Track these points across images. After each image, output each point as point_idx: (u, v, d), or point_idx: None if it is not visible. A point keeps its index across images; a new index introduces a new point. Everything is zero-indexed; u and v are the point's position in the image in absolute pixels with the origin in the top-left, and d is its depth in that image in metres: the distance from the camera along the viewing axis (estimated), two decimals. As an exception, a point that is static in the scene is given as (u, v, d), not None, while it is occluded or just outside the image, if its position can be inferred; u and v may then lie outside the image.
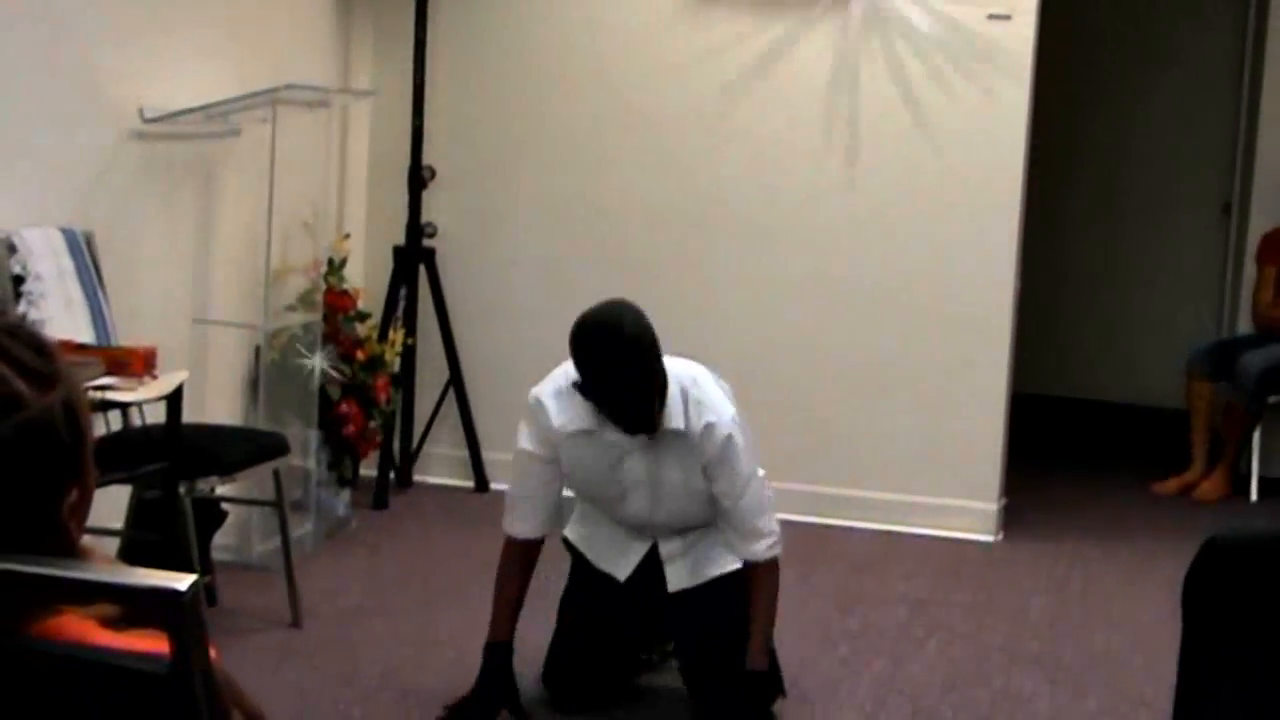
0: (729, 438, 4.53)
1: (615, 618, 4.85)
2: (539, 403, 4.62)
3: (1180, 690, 2.86)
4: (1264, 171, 8.14)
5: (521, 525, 4.74)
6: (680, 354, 4.67)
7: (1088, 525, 7.17)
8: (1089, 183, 9.70)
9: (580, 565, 4.94)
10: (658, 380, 4.47)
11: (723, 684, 4.67)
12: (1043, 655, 5.45)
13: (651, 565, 4.81)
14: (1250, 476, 7.72)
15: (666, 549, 4.80)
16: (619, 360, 4.41)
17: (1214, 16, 9.37)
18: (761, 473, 4.65)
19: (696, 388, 4.57)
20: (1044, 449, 8.36)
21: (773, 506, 4.69)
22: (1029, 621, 5.82)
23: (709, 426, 4.52)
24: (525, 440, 4.70)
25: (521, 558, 4.73)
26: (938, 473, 6.85)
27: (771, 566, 4.66)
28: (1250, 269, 8.07)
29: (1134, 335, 9.64)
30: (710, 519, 4.73)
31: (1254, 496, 7.64)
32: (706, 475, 4.59)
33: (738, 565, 4.71)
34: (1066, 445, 8.85)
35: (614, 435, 4.55)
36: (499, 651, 4.67)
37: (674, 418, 4.53)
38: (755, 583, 4.66)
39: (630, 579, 4.82)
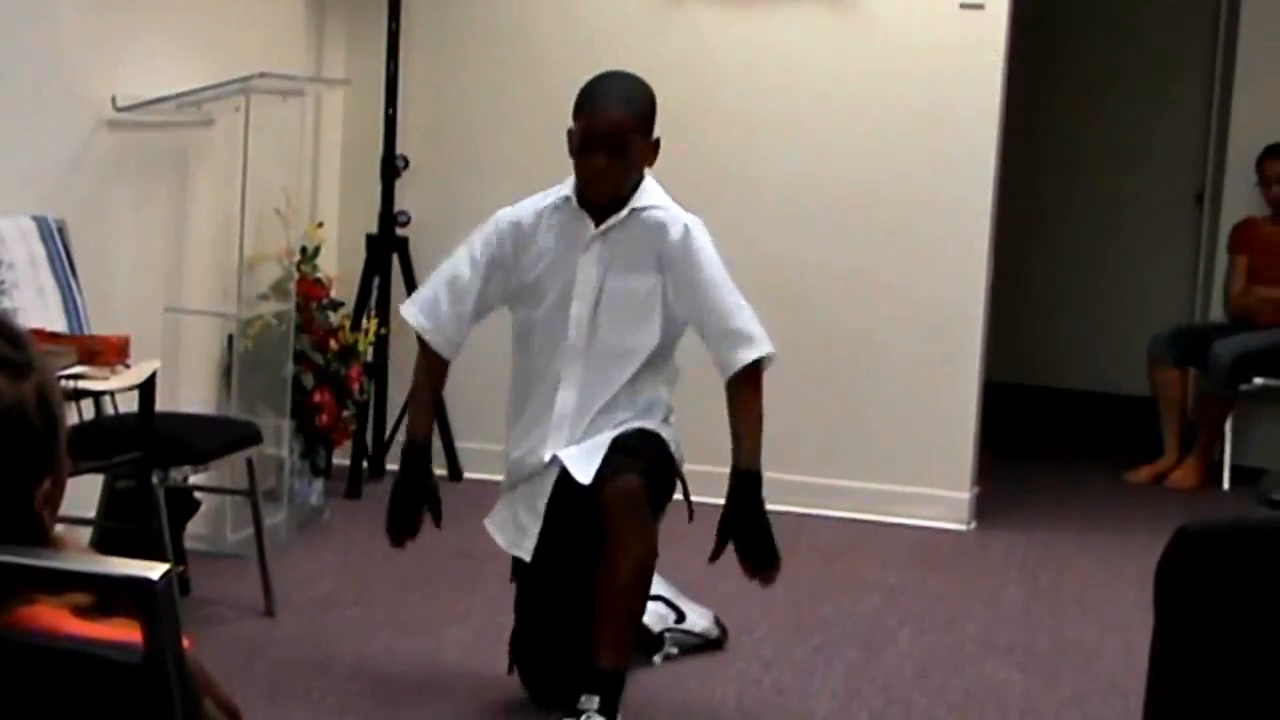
0: (688, 237, 4.49)
1: (556, 584, 4.66)
2: (509, 210, 4.67)
3: (1152, 677, 2.86)
4: (1236, 162, 8.16)
5: (431, 325, 4.67)
6: None
7: (1060, 514, 7.19)
8: (1062, 173, 9.72)
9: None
10: (635, 155, 4.47)
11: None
12: (1015, 643, 5.47)
13: (553, 528, 4.60)
14: (1223, 465, 7.75)
15: (557, 436, 4.56)
16: (612, 90, 4.52)
17: (1187, 6, 9.39)
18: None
19: (666, 207, 4.56)
20: (1017, 438, 8.38)
21: (751, 313, 4.52)
22: (1002, 610, 5.83)
23: (670, 232, 4.50)
24: (473, 245, 4.68)
25: (431, 370, 4.76)
26: (911, 462, 6.86)
27: (755, 378, 4.52)
28: (1223, 258, 8.10)
29: (1108, 324, 9.67)
30: (639, 359, 4.56)
31: (1226, 485, 7.67)
32: (677, 295, 4.51)
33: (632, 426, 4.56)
34: (1040, 434, 8.87)
35: (584, 216, 4.54)
36: (413, 447, 4.72)
37: (646, 202, 4.54)
38: (740, 399, 4.53)
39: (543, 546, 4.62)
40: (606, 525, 4.39)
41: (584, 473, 4.47)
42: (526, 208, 4.63)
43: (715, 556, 4.55)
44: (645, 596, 4.55)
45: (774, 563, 4.57)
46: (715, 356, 4.54)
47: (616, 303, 4.54)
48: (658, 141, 4.58)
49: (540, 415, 4.62)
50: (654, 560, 4.47)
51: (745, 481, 4.56)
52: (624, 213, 4.52)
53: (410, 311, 4.74)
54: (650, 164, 4.60)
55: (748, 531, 4.54)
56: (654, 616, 5.07)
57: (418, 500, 4.71)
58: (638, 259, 4.53)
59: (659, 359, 4.61)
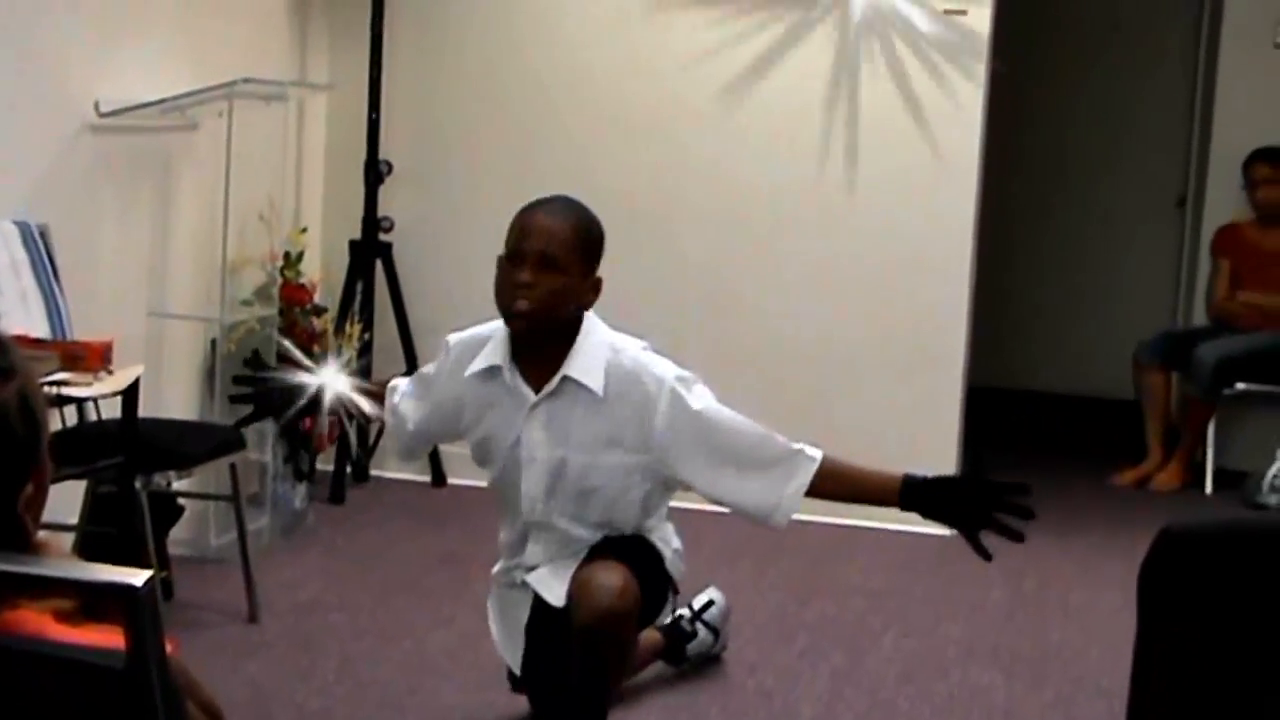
0: (681, 385, 4.04)
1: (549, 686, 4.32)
2: (452, 341, 4.31)
3: (1136, 680, 2.87)
4: (1219, 165, 8.18)
5: (393, 423, 4.45)
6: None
7: (1044, 517, 7.09)
8: (1045, 176, 9.73)
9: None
10: (568, 283, 4.01)
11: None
12: (999, 647, 5.47)
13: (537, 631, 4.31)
14: (1206, 468, 7.76)
15: (535, 576, 4.26)
16: (550, 201, 4.13)
17: (1171, 10, 9.40)
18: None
19: (624, 355, 4.08)
20: (1001, 442, 8.36)
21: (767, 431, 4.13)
22: (985, 613, 5.84)
23: (647, 382, 4.03)
24: (423, 376, 4.43)
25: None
26: (894, 465, 6.80)
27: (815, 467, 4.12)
28: (1206, 262, 8.11)
29: (1090, 328, 9.67)
30: (610, 523, 4.20)
31: (1209, 488, 7.69)
32: (679, 455, 4.04)
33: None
34: (1023, 438, 8.86)
35: (520, 385, 4.11)
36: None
37: (580, 371, 4.04)
38: (832, 475, 4.18)
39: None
40: (577, 648, 4.05)
41: (555, 594, 4.17)
42: (466, 355, 4.22)
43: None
44: (616, 687, 4.29)
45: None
46: (764, 491, 4.09)
47: (580, 483, 4.13)
48: (599, 282, 4.12)
49: (514, 545, 4.34)
50: (633, 660, 4.32)
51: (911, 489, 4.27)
52: (556, 380, 4.08)
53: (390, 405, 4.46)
54: (588, 304, 4.12)
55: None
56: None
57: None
58: (602, 436, 4.08)
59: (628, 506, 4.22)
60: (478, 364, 4.18)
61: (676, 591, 4.44)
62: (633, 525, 4.23)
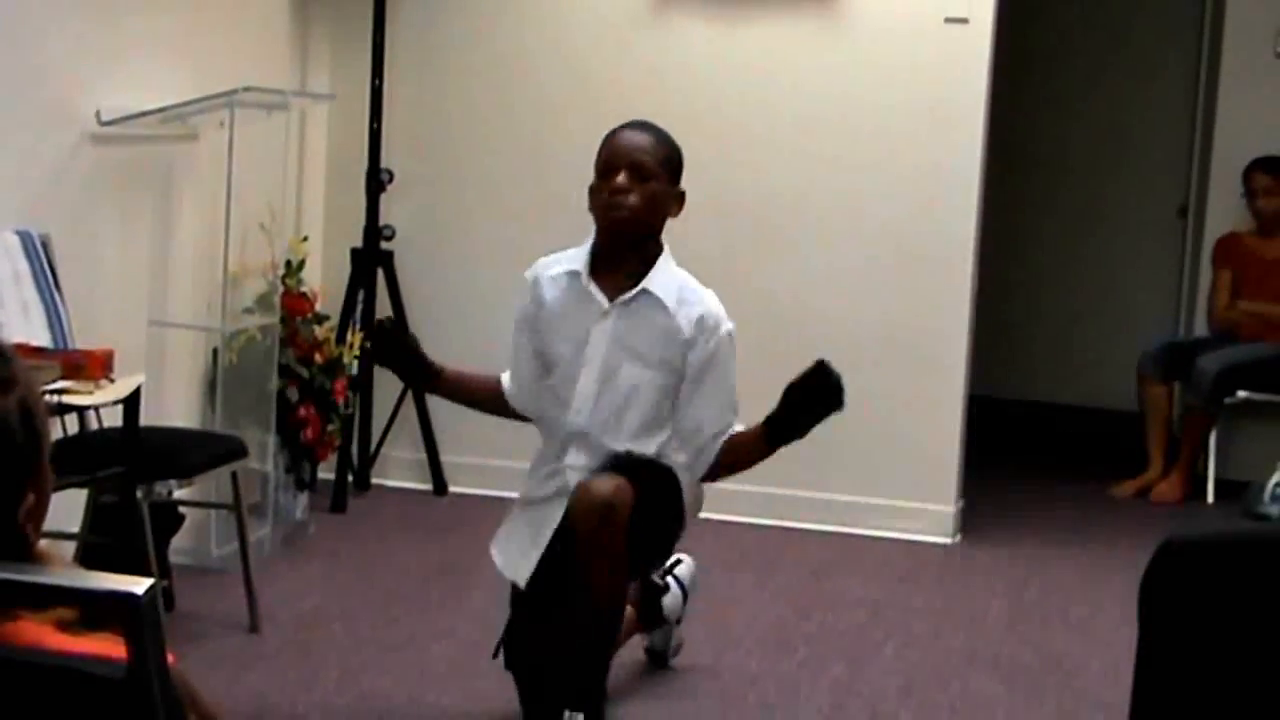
0: (730, 337, 4.44)
1: (550, 606, 4.50)
2: (536, 267, 4.57)
3: (1137, 691, 2.87)
4: (1220, 175, 8.18)
5: (514, 389, 4.64)
6: None
7: (1045, 528, 7.19)
8: (1046, 186, 9.74)
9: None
10: (658, 189, 4.39)
11: None
12: (1000, 658, 5.47)
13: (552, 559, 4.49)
14: (1207, 478, 7.76)
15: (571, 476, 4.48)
16: (636, 125, 4.47)
17: (1171, 20, 9.41)
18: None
19: (696, 290, 4.46)
20: (1002, 452, 8.39)
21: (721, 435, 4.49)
22: (987, 624, 5.83)
23: (706, 317, 4.40)
24: (516, 314, 4.62)
25: (497, 390, 4.67)
26: (895, 475, 6.86)
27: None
28: (1207, 272, 8.12)
29: (1091, 338, 9.68)
30: (639, 440, 4.46)
31: (1210, 498, 7.68)
32: (687, 376, 4.41)
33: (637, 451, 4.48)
34: (1024, 448, 8.88)
35: (595, 291, 4.43)
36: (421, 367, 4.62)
37: (659, 287, 4.40)
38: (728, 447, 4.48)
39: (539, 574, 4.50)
40: (575, 536, 4.30)
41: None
42: (550, 265, 4.54)
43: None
44: (612, 633, 4.45)
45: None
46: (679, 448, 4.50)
47: (627, 392, 4.45)
48: (683, 194, 4.50)
49: (551, 459, 4.56)
50: (623, 593, 4.42)
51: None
52: (635, 291, 4.41)
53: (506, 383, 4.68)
54: (674, 214, 4.50)
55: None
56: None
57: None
58: (656, 352, 4.44)
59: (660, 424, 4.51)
60: (559, 268, 4.50)
61: (683, 527, 4.58)
62: (655, 447, 4.47)
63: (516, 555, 4.54)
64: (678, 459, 4.50)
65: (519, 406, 4.66)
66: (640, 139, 4.42)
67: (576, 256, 4.49)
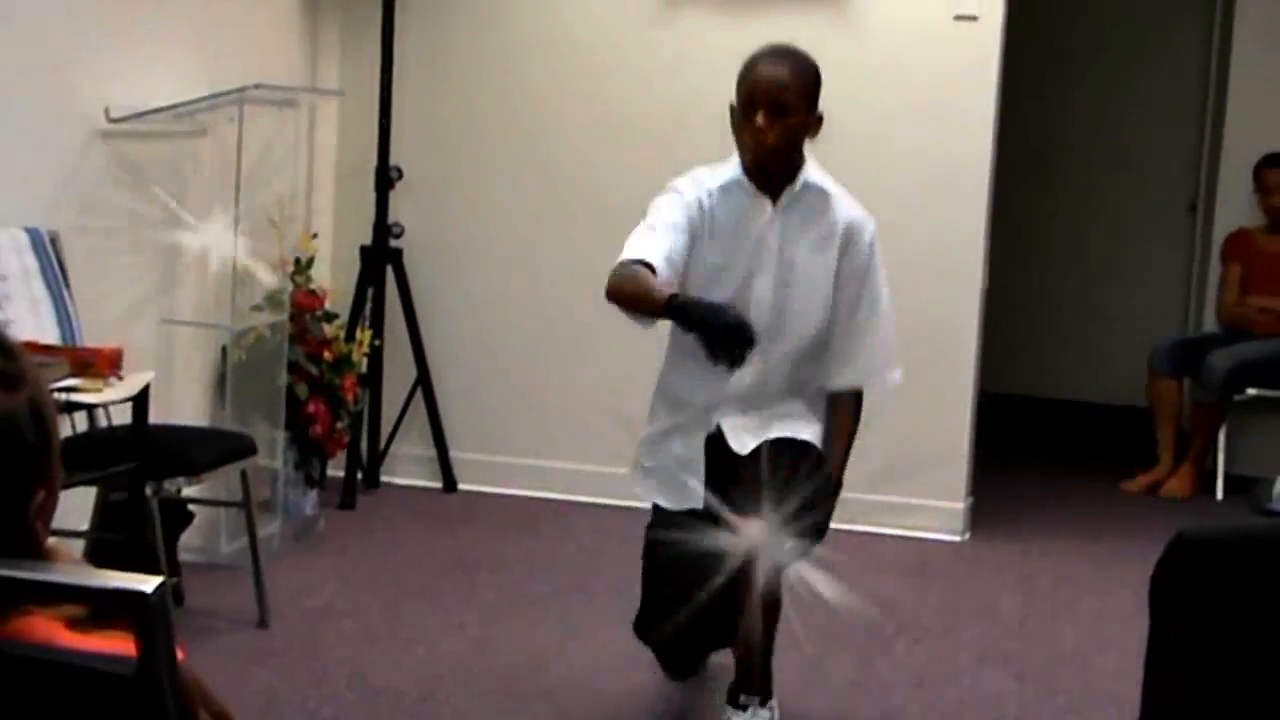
0: (874, 241, 4.53)
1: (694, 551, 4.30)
2: (686, 178, 4.53)
3: (1148, 687, 2.86)
4: (1229, 170, 8.17)
5: (653, 257, 4.30)
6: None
7: (1055, 523, 7.18)
8: (1055, 181, 9.73)
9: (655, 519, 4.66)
10: (797, 122, 4.41)
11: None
12: (1011, 653, 5.46)
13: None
14: (1216, 474, 7.75)
15: (731, 424, 4.51)
16: (776, 55, 4.46)
17: (1182, 15, 9.40)
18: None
19: (846, 195, 4.54)
20: (1011, 448, 8.38)
21: (889, 345, 4.62)
22: (997, 619, 5.83)
23: (856, 223, 4.51)
24: (661, 208, 4.43)
25: (640, 269, 4.30)
26: (905, 472, 6.85)
27: (859, 398, 4.62)
28: (1216, 268, 8.11)
29: (1101, 334, 9.67)
30: (818, 340, 4.52)
31: (1220, 494, 7.68)
32: (839, 283, 4.50)
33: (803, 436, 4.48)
34: (1033, 444, 8.87)
35: (761, 195, 4.47)
36: (676, 301, 4.15)
37: (822, 179, 4.50)
38: (841, 408, 4.60)
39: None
40: (742, 588, 4.33)
41: (741, 443, 4.48)
42: (699, 184, 4.50)
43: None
44: (775, 623, 4.53)
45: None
46: (841, 371, 4.57)
47: (803, 280, 4.50)
48: (821, 117, 4.53)
49: (701, 392, 4.50)
50: (780, 599, 4.49)
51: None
52: (797, 186, 4.48)
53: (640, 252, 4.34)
54: (813, 136, 4.53)
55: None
56: None
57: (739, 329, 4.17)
58: (822, 238, 4.51)
59: (823, 347, 4.57)
60: (718, 179, 4.50)
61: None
62: (814, 391, 4.57)
63: (677, 489, 4.56)
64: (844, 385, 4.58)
65: (665, 271, 4.33)
66: (779, 73, 4.42)
67: (732, 168, 4.52)
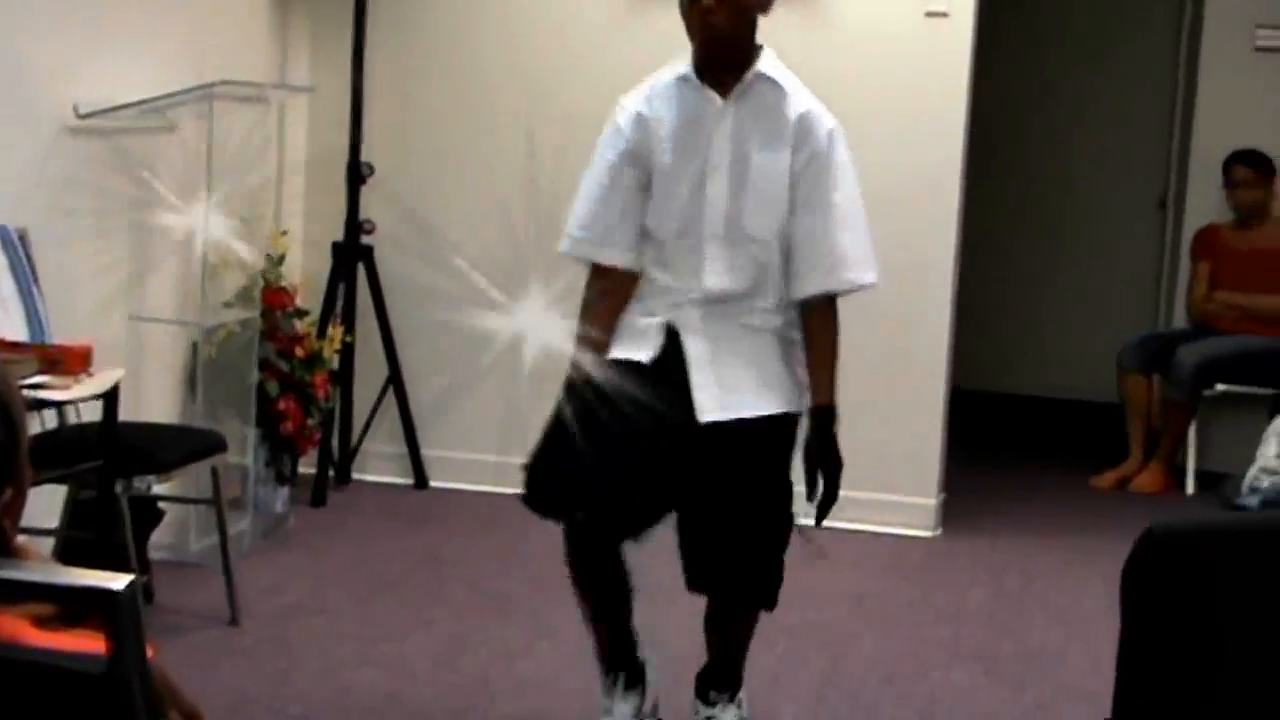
0: (834, 136, 4.21)
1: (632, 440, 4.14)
2: (628, 99, 4.34)
3: (1119, 682, 2.87)
4: (1199, 167, 8.20)
5: (609, 252, 4.26)
6: None
7: (1026, 519, 7.20)
8: (1026, 179, 9.75)
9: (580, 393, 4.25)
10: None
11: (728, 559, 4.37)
12: (981, 649, 5.48)
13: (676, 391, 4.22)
14: (1186, 470, 7.78)
15: (694, 349, 4.23)
16: None
17: (1150, 14, 9.43)
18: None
19: (804, 89, 4.27)
20: (983, 444, 8.40)
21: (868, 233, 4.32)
22: (968, 616, 5.84)
23: (810, 116, 4.21)
24: (603, 148, 4.34)
25: (617, 287, 4.25)
26: (877, 468, 6.85)
27: (832, 308, 4.34)
28: (1186, 264, 8.13)
29: (1071, 330, 9.70)
30: (777, 243, 4.22)
31: (1190, 489, 7.71)
32: (793, 180, 4.19)
33: (768, 410, 4.29)
34: (1005, 440, 8.89)
35: (709, 92, 4.20)
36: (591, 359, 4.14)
37: (775, 71, 4.23)
38: (815, 323, 4.33)
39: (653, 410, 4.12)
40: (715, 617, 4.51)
41: (701, 401, 4.21)
42: (642, 93, 4.31)
43: (811, 495, 4.42)
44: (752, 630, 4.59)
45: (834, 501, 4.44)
46: (805, 273, 4.25)
47: (758, 178, 4.20)
48: None
49: (673, 290, 4.26)
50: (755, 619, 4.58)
51: (823, 417, 4.34)
52: (748, 76, 4.22)
53: (570, 246, 4.35)
54: (764, 11, 4.28)
55: (828, 471, 4.37)
56: None
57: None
58: (774, 132, 4.21)
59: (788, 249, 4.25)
60: (666, 75, 4.29)
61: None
62: (774, 299, 4.28)
63: (634, 338, 4.29)
64: (791, 317, 4.34)
65: (635, 260, 4.28)
66: None
67: (680, 64, 4.29)
